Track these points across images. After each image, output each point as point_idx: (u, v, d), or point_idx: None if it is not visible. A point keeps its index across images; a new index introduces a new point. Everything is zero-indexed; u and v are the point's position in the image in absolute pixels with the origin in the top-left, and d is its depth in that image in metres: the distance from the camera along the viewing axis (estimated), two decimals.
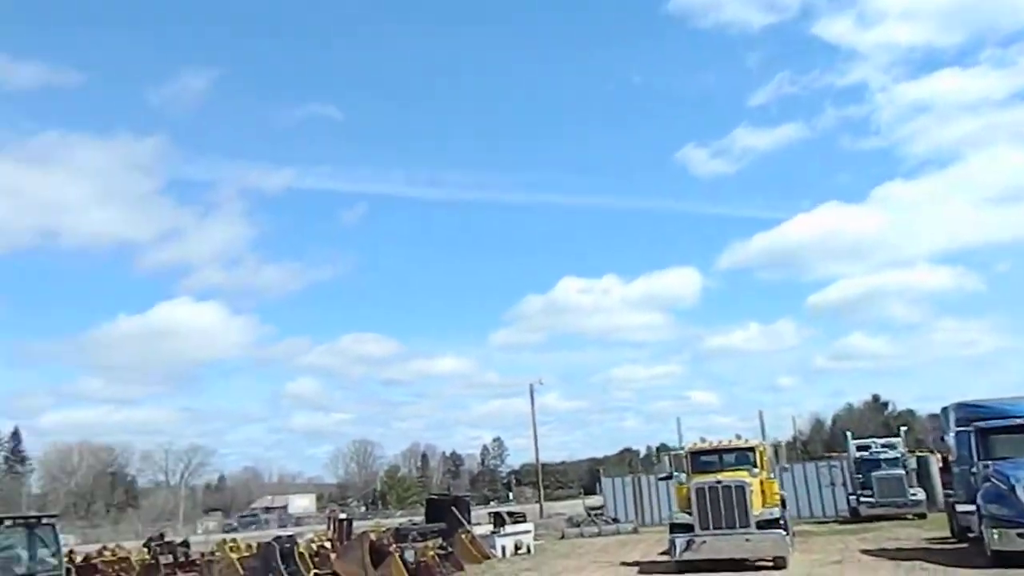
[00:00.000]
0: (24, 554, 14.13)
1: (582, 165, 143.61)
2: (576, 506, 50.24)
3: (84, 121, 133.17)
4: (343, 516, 33.68)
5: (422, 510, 34.65)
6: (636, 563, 18.99)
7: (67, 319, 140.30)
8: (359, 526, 31.48)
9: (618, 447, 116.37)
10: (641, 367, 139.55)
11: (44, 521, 14.70)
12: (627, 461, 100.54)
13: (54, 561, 14.41)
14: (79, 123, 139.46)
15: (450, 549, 21.38)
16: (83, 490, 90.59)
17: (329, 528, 30.73)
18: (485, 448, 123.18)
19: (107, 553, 22.57)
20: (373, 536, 20.12)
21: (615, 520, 33.13)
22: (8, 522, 13.97)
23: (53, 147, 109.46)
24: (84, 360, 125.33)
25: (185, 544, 23.74)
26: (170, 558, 20.66)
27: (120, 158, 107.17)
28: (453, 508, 25.45)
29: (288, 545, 18.07)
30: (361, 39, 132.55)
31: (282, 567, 17.14)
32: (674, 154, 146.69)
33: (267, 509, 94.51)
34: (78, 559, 21.33)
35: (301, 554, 18.10)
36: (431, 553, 19.35)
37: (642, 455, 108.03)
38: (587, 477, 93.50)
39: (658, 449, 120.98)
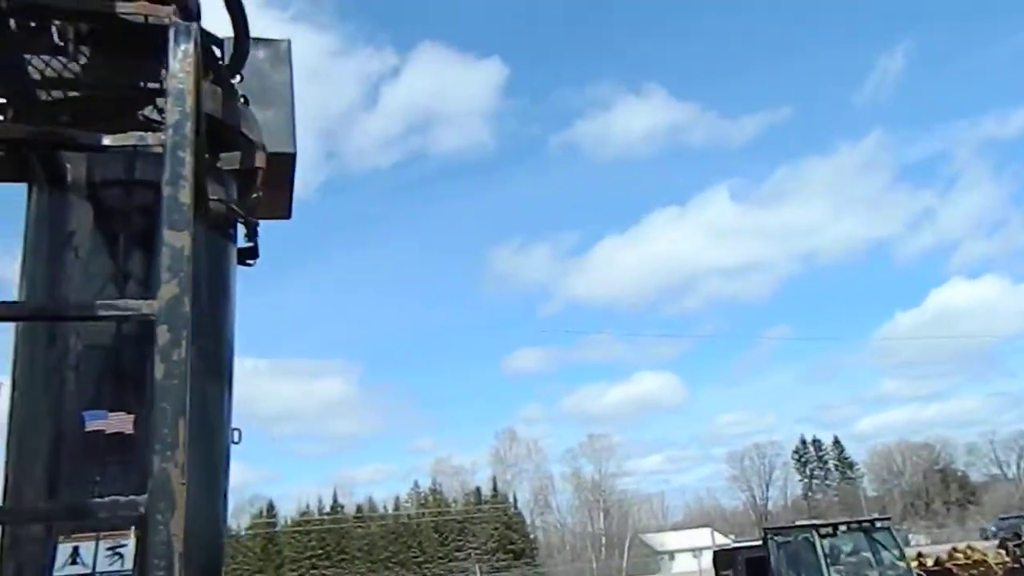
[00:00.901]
0: (871, 558, 13.79)
1: None
2: None
3: (806, 148, 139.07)
4: None
5: None
6: None
7: (847, 327, 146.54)
8: None
9: None
10: None
11: (878, 524, 14.15)
12: None
13: (902, 564, 13.64)
14: (801, 151, 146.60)
15: None
16: (915, 489, 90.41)
17: None
18: None
19: (958, 555, 20.81)
20: None
21: None
22: (843, 527, 13.85)
23: (785, 181, 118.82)
24: (877, 363, 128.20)
25: None
26: None
27: (848, 167, 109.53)
28: None
29: None
30: None
31: None
32: None
33: None
34: (929, 562, 20.16)
35: None
36: None
37: None
38: None
39: None
